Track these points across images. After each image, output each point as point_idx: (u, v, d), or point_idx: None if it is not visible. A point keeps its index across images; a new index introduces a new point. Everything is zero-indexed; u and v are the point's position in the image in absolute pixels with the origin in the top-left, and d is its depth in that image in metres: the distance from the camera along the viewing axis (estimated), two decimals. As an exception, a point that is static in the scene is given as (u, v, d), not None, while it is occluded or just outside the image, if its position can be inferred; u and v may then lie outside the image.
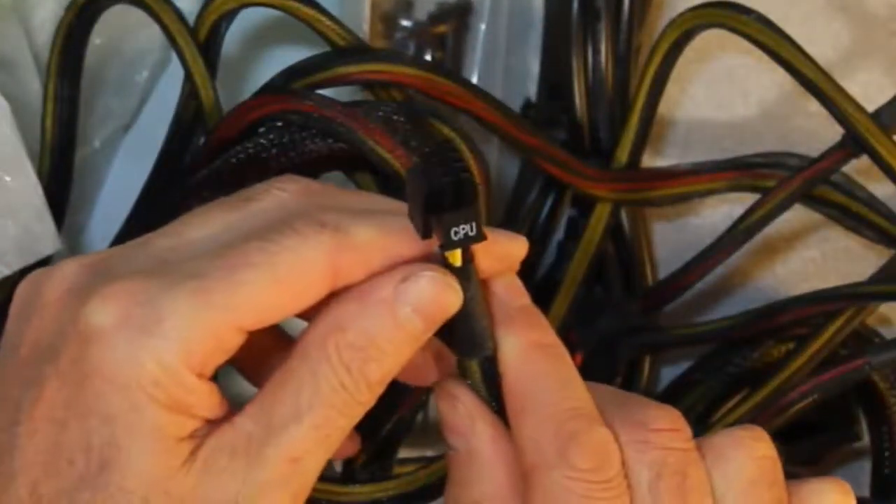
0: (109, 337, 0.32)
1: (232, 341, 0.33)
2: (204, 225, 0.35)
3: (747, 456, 0.36)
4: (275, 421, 0.33)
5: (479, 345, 0.35)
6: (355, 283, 0.34)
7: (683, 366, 0.54)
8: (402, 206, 0.34)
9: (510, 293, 0.36)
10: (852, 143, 0.48)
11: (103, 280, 0.33)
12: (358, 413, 0.34)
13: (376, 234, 0.34)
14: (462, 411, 0.35)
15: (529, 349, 0.35)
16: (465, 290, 0.34)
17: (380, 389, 0.34)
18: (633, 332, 0.52)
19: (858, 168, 0.50)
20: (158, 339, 0.32)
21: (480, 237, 0.33)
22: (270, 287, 0.33)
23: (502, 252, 0.35)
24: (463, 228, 0.33)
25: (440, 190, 0.32)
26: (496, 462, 0.35)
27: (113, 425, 0.32)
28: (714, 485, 0.35)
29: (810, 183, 0.49)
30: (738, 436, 0.36)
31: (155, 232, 0.36)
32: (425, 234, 0.33)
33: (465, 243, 0.33)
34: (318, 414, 0.33)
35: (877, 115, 0.47)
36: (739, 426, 0.37)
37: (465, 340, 0.35)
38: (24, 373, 0.33)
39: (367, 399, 0.34)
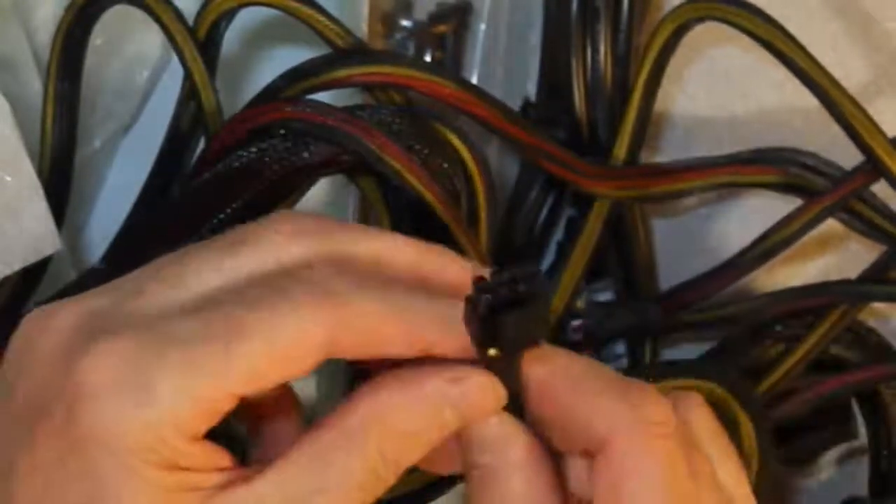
0: (101, 400, 0.32)
1: (224, 406, 0.33)
2: (199, 273, 0.34)
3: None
4: (297, 491, 0.33)
5: None
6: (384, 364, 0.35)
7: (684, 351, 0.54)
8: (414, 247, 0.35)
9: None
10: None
11: (96, 337, 0.33)
12: (380, 493, 0.34)
13: (380, 308, 0.34)
14: (495, 423, 0.35)
15: None
16: (506, 385, 0.35)
17: (403, 472, 0.35)
18: (645, 331, 0.53)
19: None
20: (149, 408, 0.32)
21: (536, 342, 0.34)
22: (264, 359, 0.33)
23: None
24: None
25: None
26: (537, 470, 0.35)
27: (111, 486, 0.32)
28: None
29: (834, 207, 0.50)
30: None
31: (151, 276, 0.35)
32: (484, 343, 0.33)
33: (520, 349, 0.34)
34: (343, 492, 0.33)
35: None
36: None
37: None
38: (16, 428, 0.34)
39: (392, 481, 0.34)
